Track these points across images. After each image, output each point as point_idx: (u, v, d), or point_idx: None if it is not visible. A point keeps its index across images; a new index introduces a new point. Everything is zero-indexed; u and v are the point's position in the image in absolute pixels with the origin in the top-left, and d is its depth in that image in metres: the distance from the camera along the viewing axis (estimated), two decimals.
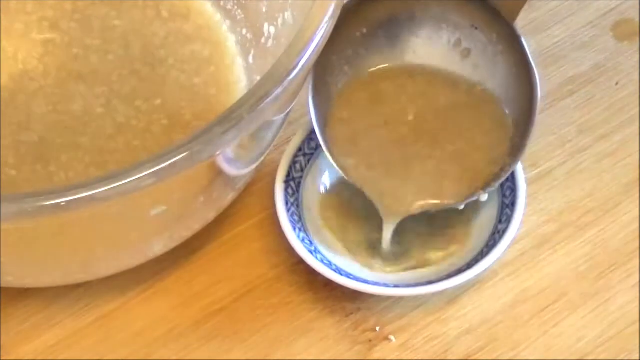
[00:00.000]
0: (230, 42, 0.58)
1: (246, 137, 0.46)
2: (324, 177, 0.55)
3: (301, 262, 0.52)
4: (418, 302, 0.53)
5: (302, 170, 0.54)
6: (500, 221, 0.53)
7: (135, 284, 0.54)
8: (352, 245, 0.53)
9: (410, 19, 0.54)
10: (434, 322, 0.53)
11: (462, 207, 0.52)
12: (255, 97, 0.44)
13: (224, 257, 0.55)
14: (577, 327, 0.52)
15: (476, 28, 0.53)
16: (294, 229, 0.52)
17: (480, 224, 0.53)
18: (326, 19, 0.46)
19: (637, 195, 0.56)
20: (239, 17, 0.59)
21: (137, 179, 0.42)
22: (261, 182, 0.56)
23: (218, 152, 0.45)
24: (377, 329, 0.53)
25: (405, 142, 0.53)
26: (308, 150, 0.55)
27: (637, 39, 0.61)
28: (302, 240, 0.52)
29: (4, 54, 0.57)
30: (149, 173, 0.42)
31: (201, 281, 0.54)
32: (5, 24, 0.58)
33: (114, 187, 0.42)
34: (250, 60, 0.57)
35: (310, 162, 0.55)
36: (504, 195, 0.53)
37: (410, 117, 0.53)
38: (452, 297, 0.53)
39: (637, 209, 0.55)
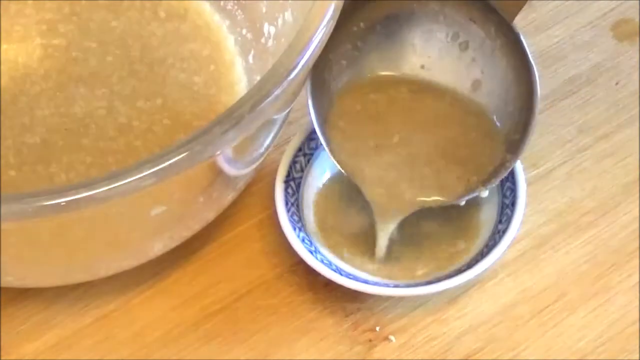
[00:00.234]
0: (230, 42, 0.58)
1: (246, 137, 0.46)
2: (324, 177, 0.55)
3: (301, 262, 0.52)
4: (418, 302, 0.53)
5: (302, 170, 0.54)
6: (500, 221, 0.53)
7: (135, 284, 0.54)
8: (351, 245, 0.53)
9: (409, 15, 0.54)
10: (434, 322, 0.53)
11: (462, 203, 0.52)
12: (255, 97, 0.44)
13: (224, 257, 0.55)
14: (577, 327, 0.52)
15: (474, 22, 0.53)
16: (294, 229, 0.52)
17: (481, 224, 0.53)
18: (326, 19, 0.46)
19: (637, 195, 0.56)
20: (238, 17, 0.59)
21: (137, 179, 0.42)
22: (261, 182, 0.56)
23: (218, 152, 0.45)
24: (377, 329, 0.53)
25: (400, 145, 0.53)
26: (308, 150, 0.55)
27: (637, 39, 0.61)
28: (302, 240, 0.52)
29: (5, 56, 0.57)
30: (149, 173, 0.42)
31: (201, 281, 0.54)
32: (6, 26, 0.58)
33: (114, 187, 0.42)
34: (250, 60, 0.57)
35: (310, 162, 0.55)
36: (504, 195, 0.53)
37: (396, 139, 0.53)
38: (452, 297, 0.53)
39: (637, 209, 0.55)
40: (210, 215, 0.52)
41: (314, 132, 0.55)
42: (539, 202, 0.56)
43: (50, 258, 0.49)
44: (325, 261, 0.52)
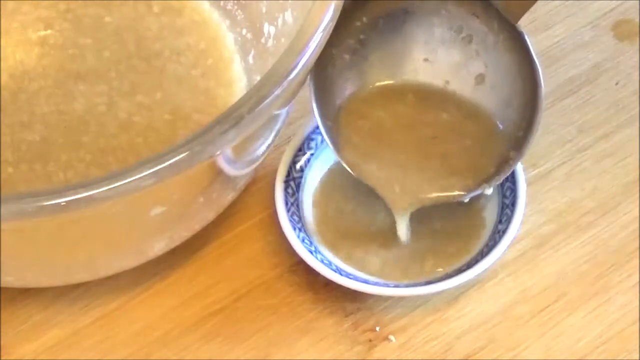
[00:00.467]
0: (229, 39, 0.58)
1: (246, 137, 0.46)
2: (324, 177, 0.55)
3: (301, 262, 0.52)
4: (418, 302, 0.53)
5: (302, 170, 0.54)
6: (500, 221, 0.53)
7: (135, 284, 0.54)
8: (351, 245, 0.53)
9: (412, 9, 0.54)
10: (434, 322, 0.53)
11: (467, 199, 0.52)
12: (255, 97, 0.44)
13: (224, 257, 0.55)
14: (577, 327, 0.52)
15: (477, 17, 0.53)
16: (294, 229, 0.52)
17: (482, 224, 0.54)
18: (326, 19, 0.46)
19: (637, 195, 0.56)
20: (238, 17, 0.59)
21: (137, 179, 0.42)
22: (261, 182, 0.56)
23: (218, 152, 0.45)
24: (377, 329, 0.53)
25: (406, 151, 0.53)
26: (308, 150, 0.55)
27: (637, 39, 0.61)
28: (302, 240, 0.52)
29: (3, 53, 0.57)
30: (149, 173, 0.42)
31: (201, 281, 0.54)
32: (4, 24, 0.58)
33: (113, 187, 0.42)
34: (250, 60, 0.57)
35: (310, 162, 0.55)
36: (504, 195, 0.53)
37: (402, 147, 0.53)
38: (452, 297, 0.53)
39: (637, 209, 0.55)
40: (210, 215, 0.52)
41: (313, 132, 0.55)
42: (539, 202, 0.56)
43: (50, 258, 0.49)
44: (325, 261, 0.52)
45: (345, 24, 0.52)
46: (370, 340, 0.52)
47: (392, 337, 0.52)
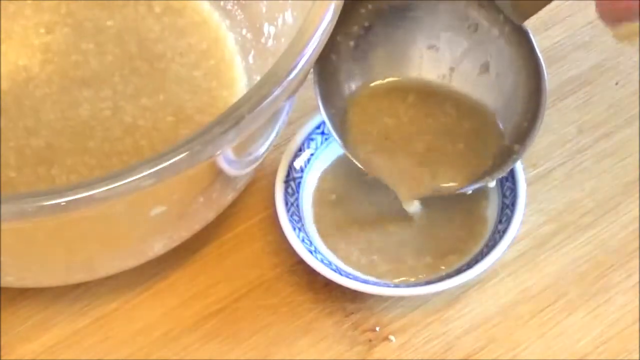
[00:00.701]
0: (230, 39, 0.58)
1: (246, 136, 0.46)
2: (324, 176, 0.55)
3: (301, 262, 0.52)
4: (418, 302, 0.53)
5: (302, 170, 0.54)
6: (500, 221, 0.53)
7: (135, 284, 0.54)
8: (351, 245, 0.53)
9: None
10: (434, 322, 0.53)
11: (469, 191, 0.52)
12: (256, 97, 0.44)
13: (224, 257, 0.55)
14: (577, 327, 0.52)
15: (483, 7, 0.53)
16: (294, 229, 0.52)
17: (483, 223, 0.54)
18: (326, 19, 0.46)
19: (637, 195, 0.56)
20: (238, 17, 0.59)
21: (137, 179, 0.42)
22: (261, 182, 0.56)
23: (218, 152, 0.45)
24: (377, 329, 0.53)
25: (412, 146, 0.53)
26: (308, 150, 0.55)
27: (637, 39, 0.61)
28: (302, 240, 0.52)
29: (6, 58, 0.57)
30: (149, 173, 0.42)
31: (201, 281, 0.54)
32: (5, 26, 0.58)
33: (114, 187, 0.42)
34: (250, 60, 0.57)
35: (310, 162, 0.55)
36: (504, 196, 0.53)
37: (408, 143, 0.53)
38: (452, 297, 0.53)
39: (637, 209, 0.55)
40: (210, 215, 0.52)
41: (313, 132, 0.55)
42: (538, 202, 0.56)
43: (50, 258, 0.49)
44: (325, 261, 0.52)
45: (350, 12, 0.52)
46: (370, 340, 0.52)
47: (392, 337, 0.52)
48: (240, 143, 0.46)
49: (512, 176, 0.53)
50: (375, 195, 0.54)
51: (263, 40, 0.57)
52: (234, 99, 0.56)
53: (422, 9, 0.54)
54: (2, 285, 0.51)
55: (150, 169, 0.42)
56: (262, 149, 0.51)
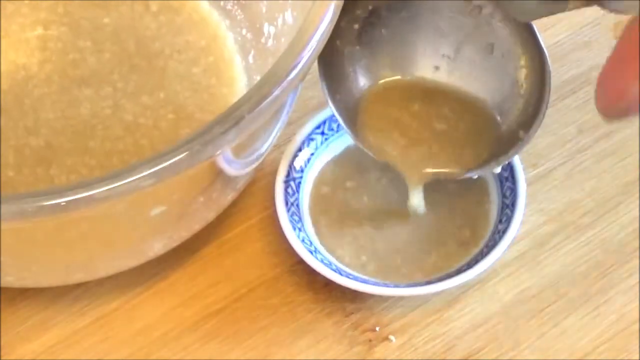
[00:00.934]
0: (229, 38, 0.58)
1: (246, 136, 0.46)
2: (324, 176, 0.55)
3: (301, 262, 0.52)
4: (418, 302, 0.53)
5: (302, 170, 0.54)
6: (500, 221, 0.53)
7: (135, 284, 0.54)
8: (350, 245, 0.53)
9: None
10: (434, 322, 0.53)
11: (475, 176, 0.52)
12: (256, 97, 0.44)
13: (224, 257, 0.55)
14: (577, 327, 0.52)
15: None
16: (294, 229, 0.52)
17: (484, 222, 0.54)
18: (326, 19, 0.46)
19: (637, 195, 0.56)
20: (238, 17, 0.59)
21: (137, 179, 0.42)
22: (261, 182, 0.56)
23: (218, 152, 0.45)
24: (377, 329, 0.53)
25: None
26: (308, 150, 0.55)
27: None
28: (302, 240, 0.52)
29: (5, 57, 0.57)
30: (149, 173, 0.42)
31: (201, 281, 0.54)
32: (4, 25, 0.58)
33: (113, 187, 0.42)
34: (250, 60, 0.57)
35: (310, 162, 0.55)
36: (504, 196, 0.53)
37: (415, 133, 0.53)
38: (452, 297, 0.53)
39: (637, 209, 0.55)
40: (210, 215, 0.52)
41: (313, 132, 0.55)
42: (539, 202, 0.56)
43: (50, 258, 0.49)
44: (325, 261, 0.52)
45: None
46: (370, 340, 0.52)
47: (392, 337, 0.52)
48: (240, 143, 0.46)
49: (512, 176, 0.53)
50: (376, 195, 0.54)
51: (263, 40, 0.57)
52: (234, 97, 0.56)
53: None
54: (2, 285, 0.51)
55: (150, 169, 0.42)
56: (262, 149, 0.51)
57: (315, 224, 0.54)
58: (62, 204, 0.42)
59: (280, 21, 0.55)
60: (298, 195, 0.54)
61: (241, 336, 0.52)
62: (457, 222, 0.54)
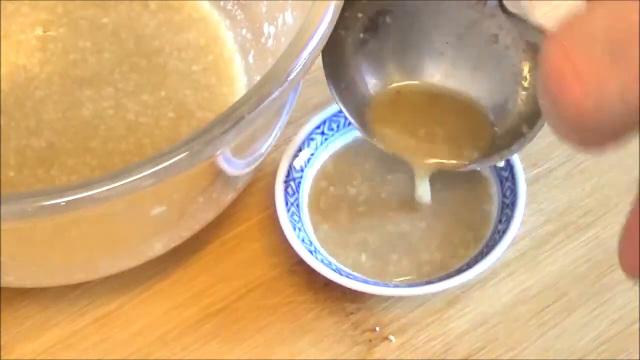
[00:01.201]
0: (229, 38, 0.58)
1: (246, 136, 0.46)
2: (324, 176, 0.55)
3: (301, 262, 0.52)
4: (418, 302, 0.53)
5: (302, 170, 0.54)
6: (500, 221, 0.53)
7: (135, 284, 0.54)
8: (350, 245, 0.53)
9: None
10: (434, 322, 0.53)
11: (478, 168, 0.53)
12: (256, 97, 0.44)
13: (224, 257, 0.55)
14: (577, 327, 0.52)
15: None
16: (294, 229, 0.52)
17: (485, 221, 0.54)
18: (326, 19, 0.46)
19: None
20: (238, 17, 0.59)
21: (136, 179, 0.42)
22: (261, 182, 0.56)
23: (218, 152, 0.45)
24: (377, 329, 0.53)
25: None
26: (308, 150, 0.55)
27: None
28: (302, 240, 0.52)
29: (5, 58, 0.57)
30: (149, 173, 0.42)
31: (201, 281, 0.54)
32: (4, 25, 0.58)
33: (113, 187, 0.42)
34: (250, 60, 0.57)
35: (310, 162, 0.55)
36: (504, 195, 0.53)
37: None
38: (452, 297, 0.53)
39: None
40: (210, 215, 0.52)
41: (313, 132, 0.55)
42: (539, 202, 0.56)
43: (50, 258, 0.49)
44: (325, 261, 0.52)
45: None
46: (370, 340, 0.52)
47: (392, 337, 0.52)
48: (240, 143, 0.46)
49: (512, 176, 0.53)
50: (376, 195, 0.54)
51: (263, 40, 0.57)
52: (234, 96, 0.56)
53: None
54: (2, 285, 0.51)
55: (150, 169, 0.42)
56: (262, 149, 0.51)
57: (315, 224, 0.54)
58: (62, 204, 0.42)
59: (280, 21, 0.55)
60: (298, 195, 0.54)
61: (241, 336, 0.52)
62: (456, 222, 0.54)
